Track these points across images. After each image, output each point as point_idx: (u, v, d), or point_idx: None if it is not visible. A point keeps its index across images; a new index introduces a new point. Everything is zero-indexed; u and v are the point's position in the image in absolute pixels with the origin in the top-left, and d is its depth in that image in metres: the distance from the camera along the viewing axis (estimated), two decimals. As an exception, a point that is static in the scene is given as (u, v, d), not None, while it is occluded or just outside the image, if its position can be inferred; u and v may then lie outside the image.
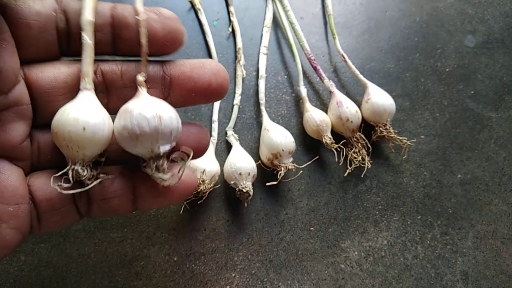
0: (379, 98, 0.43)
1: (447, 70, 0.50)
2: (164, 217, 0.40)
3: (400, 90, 0.48)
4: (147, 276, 0.38)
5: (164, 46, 0.25)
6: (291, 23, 0.47)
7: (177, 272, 0.38)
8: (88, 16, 0.23)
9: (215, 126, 0.44)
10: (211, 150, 0.42)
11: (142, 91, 0.24)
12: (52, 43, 0.24)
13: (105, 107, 0.24)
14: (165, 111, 0.24)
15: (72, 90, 0.24)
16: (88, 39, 0.23)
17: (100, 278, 0.38)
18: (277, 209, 0.42)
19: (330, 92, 0.45)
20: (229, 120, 0.44)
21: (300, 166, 0.42)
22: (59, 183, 0.23)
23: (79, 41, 0.23)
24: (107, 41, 0.24)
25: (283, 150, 0.40)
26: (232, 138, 0.43)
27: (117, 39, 0.24)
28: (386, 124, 0.43)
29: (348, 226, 0.42)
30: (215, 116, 0.44)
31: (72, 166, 0.23)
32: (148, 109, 0.23)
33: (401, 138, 0.43)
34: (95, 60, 0.24)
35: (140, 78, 0.24)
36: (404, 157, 0.45)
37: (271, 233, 0.41)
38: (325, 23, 0.51)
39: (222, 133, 0.44)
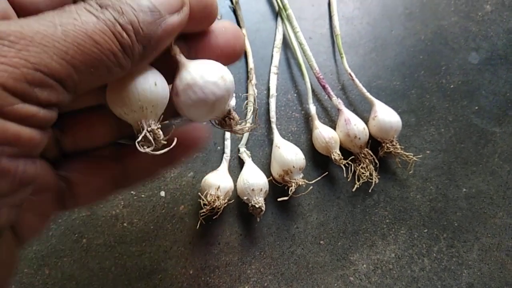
0: (386, 115, 0.45)
1: (451, 86, 0.52)
2: (180, 231, 0.42)
3: (406, 107, 0.50)
4: (164, 289, 0.40)
5: (200, 22, 0.23)
6: (300, 44, 0.49)
7: (193, 285, 0.40)
8: None
9: (227, 143, 0.46)
10: (224, 166, 0.44)
11: (181, 59, 0.23)
12: None
13: None
14: (220, 68, 0.23)
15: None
16: None
17: (120, 290, 0.40)
18: (288, 223, 0.43)
19: (338, 110, 0.47)
20: (242, 138, 0.46)
21: (310, 182, 0.43)
22: (140, 148, 0.22)
23: None
24: None
25: (293, 167, 0.42)
26: (245, 154, 0.45)
27: None
28: (392, 140, 0.45)
29: (357, 239, 0.43)
30: (227, 134, 0.46)
31: (152, 127, 0.22)
32: (209, 74, 0.22)
33: (407, 153, 0.45)
34: None
35: (175, 47, 0.23)
36: (411, 172, 0.47)
37: (283, 247, 0.42)
38: (333, 43, 0.53)
39: (235, 150, 0.46)
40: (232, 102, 0.24)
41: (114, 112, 0.22)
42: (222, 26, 0.24)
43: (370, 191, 0.45)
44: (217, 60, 0.24)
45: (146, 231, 0.42)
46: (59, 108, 0.18)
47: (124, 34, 0.18)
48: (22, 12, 0.21)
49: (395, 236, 0.44)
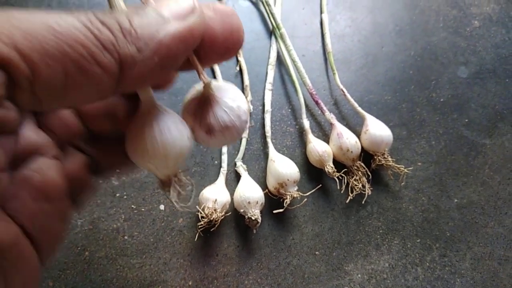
0: (377, 129, 0.47)
1: (441, 100, 0.53)
2: (179, 243, 0.43)
3: (397, 120, 0.52)
4: (164, 300, 0.41)
5: (226, 51, 0.20)
6: (293, 61, 0.51)
7: (192, 295, 0.41)
8: None
9: (224, 157, 0.47)
10: (221, 180, 0.45)
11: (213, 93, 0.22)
12: None
13: None
14: (236, 96, 0.22)
15: None
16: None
17: (121, 302, 0.41)
18: (284, 235, 0.45)
19: (331, 124, 0.48)
20: (238, 152, 0.48)
21: (305, 194, 0.44)
22: (172, 198, 0.22)
23: None
24: None
25: (288, 180, 0.43)
26: (241, 168, 0.47)
27: None
28: (384, 153, 0.47)
29: (351, 250, 0.44)
30: (224, 148, 0.48)
31: (175, 178, 0.22)
32: (236, 101, 0.22)
33: (399, 166, 0.46)
34: None
35: (205, 80, 0.21)
36: (403, 183, 0.48)
37: (279, 258, 0.44)
38: (325, 60, 0.55)
39: (232, 164, 0.48)
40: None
41: (137, 164, 0.21)
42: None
43: (363, 202, 0.46)
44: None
45: (146, 244, 0.43)
46: (18, 106, 0.16)
47: (106, 30, 0.16)
48: None
49: (389, 246, 0.45)
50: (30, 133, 0.21)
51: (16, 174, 0.21)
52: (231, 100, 0.21)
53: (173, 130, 0.20)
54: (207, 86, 0.21)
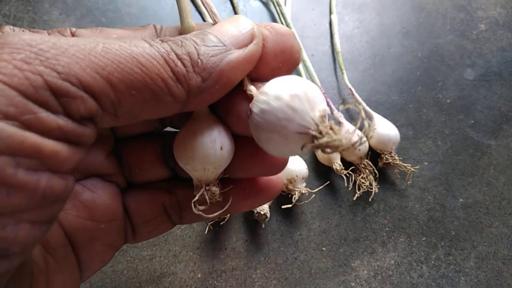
0: (384, 128, 0.47)
1: (448, 101, 0.54)
2: (189, 237, 0.44)
3: (404, 120, 0.52)
4: (173, 291, 0.42)
5: (277, 68, 0.21)
6: (303, 60, 0.52)
7: (200, 288, 0.42)
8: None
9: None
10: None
11: (255, 93, 0.21)
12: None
13: None
14: (290, 84, 0.19)
15: None
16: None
17: (131, 293, 0.41)
18: (291, 230, 0.45)
19: (339, 123, 0.49)
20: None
21: (313, 191, 0.45)
22: (198, 207, 0.22)
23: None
24: None
25: (297, 176, 0.44)
26: (250, 165, 0.47)
27: None
28: (391, 152, 0.47)
29: (358, 246, 0.45)
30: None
31: (209, 187, 0.22)
32: (282, 94, 0.19)
33: (405, 164, 0.47)
34: None
35: (250, 87, 0.21)
36: (409, 182, 0.49)
37: (286, 253, 0.44)
38: (334, 60, 0.56)
39: (241, 160, 0.48)
40: (319, 111, 0.19)
41: (179, 164, 0.23)
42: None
43: (370, 200, 0.47)
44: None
45: (157, 237, 0.44)
46: (101, 127, 0.18)
47: (179, 63, 0.17)
48: None
49: (395, 243, 0.45)
50: (98, 156, 0.23)
51: None
52: (275, 87, 0.20)
53: (214, 143, 0.21)
54: (249, 93, 0.21)
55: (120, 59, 0.16)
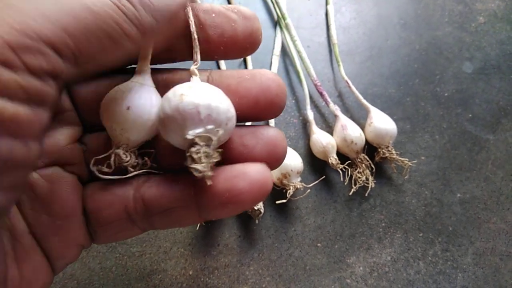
0: (381, 122, 0.46)
1: (446, 94, 0.53)
2: (180, 232, 0.43)
3: (401, 114, 0.51)
4: (164, 289, 0.40)
5: (244, 49, 0.23)
6: (298, 52, 0.51)
7: (192, 285, 0.41)
8: None
9: (227, 147, 0.47)
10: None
11: (193, 80, 0.22)
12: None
13: None
14: (194, 91, 0.20)
15: None
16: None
17: (120, 290, 0.40)
18: (286, 226, 0.44)
19: (335, 116, 0.48)
20: (241, 142, 0.47)
21: (308, 186, 0.44)
22: (99, 166, 0.21)
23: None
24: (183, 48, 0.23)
25: (291, 171, 0.43)
26: (244, 159, 0.46)
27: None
28: (388, 146, 0.46)
29: (353, 242, 0.44)
30: (227, 138, 0.47)
31: (115, 150, 0.21)
32: (174, 89, 0.21)
33: (402, 159, 0.46)
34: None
35: (193, 67, 0.22)
36: (406, 177, 0.48)
37: (281, 249, 0.43)
38: (330, 51, 0.55)
39: (234, 154, 0.47)
40: (195, 131, 0.20)
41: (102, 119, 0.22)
42: (252, 73, 0.23)
43: (366, 195, 0.46)
44: (236, 110, 0.21)
45: (147, 232, 0.43)
46: (64, 81, 0.17)
47: (129, 5, 0.18)
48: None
49: (391, 239, 0.45)
50: (62, 141, 0.22)
51: None
52: (187, 85, 0.21)
53: (124, 101, 0.21)
54: (191, 72, 0.23)
55: (75, 10, 0.16)
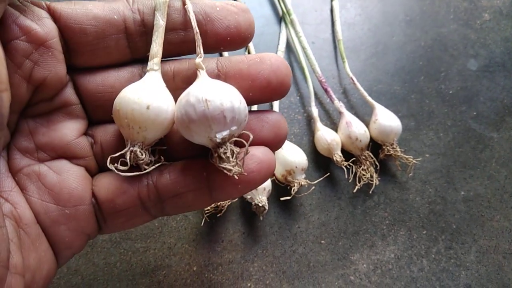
0: (386, 119, 0.46)
1: (450, 92, 0.53)
2: (184, 229, 0.43)
3: (406, 111, 0.51)
4: (168, 285, 0.40)
5: (246, 39, 0.24)
6: (303, 48, 0.50)
7: (196, 281, 0.41)
8: None
9: (232, 143, 0.47)
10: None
11: (200, 74, 0.23)
12: (116, 48, 0.23)
13: None
14: (216, 93, 0.21)
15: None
16: (160, 19, 0.22)
17: (124, 286, 0.40)
18: (290, 223, 0.44)
19: (340, 113, 0.48)
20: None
21: (312, 182, 0.44)
22: (116, 164, 0.22)
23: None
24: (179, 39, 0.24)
25: (296, 167, 0.43)
26: (248, 155, 0.46)
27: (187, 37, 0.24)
28: (393, 143, 0.46)
29: (357, 239, 0.44)
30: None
31: (131, 148, 0.22)
32: (196, 94, 0.21)
33: (407, 156, 0.46)
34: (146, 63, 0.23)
35: (197, 60, 0.23)
36: (410, 174, 0.48)
37: (284, 246, 0.43)
38: (335, 48, 0.55)
39: (238, 150, 0.47)
40: (223, 134, 0.21)
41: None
42: (259, 56, 0.24)
43: (370, 192, 0.46)
44: (249, 93, 0.23)
45: (151, 228, 0.43)
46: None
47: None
48: (68, 32, 0.22)
49: (395, 237, 0.45)
50: (68, 135, 0.23)
51: (35, 167, 0.22)
52: (203, 86, 0.22)
53: (142, 99, 0.22)
54: (196, 67, 0.23)
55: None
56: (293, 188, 0.42)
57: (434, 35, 0.57)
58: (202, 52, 0.23)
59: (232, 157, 0.21)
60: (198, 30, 0.23)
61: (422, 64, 0.55)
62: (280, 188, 0.44)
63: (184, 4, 0.23)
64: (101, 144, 0.24)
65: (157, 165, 0.23)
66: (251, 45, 0.52)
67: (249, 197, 0.42)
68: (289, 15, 0.52)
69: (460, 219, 0.46)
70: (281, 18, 0.55)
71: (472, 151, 0.50)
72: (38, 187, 0.22)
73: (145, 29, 0.23)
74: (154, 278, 0.41)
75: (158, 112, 0.21)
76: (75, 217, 0.22)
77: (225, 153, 0.21)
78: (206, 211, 0.41)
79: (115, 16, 0.22)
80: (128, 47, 0.24)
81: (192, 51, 0.24)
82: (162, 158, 0.24)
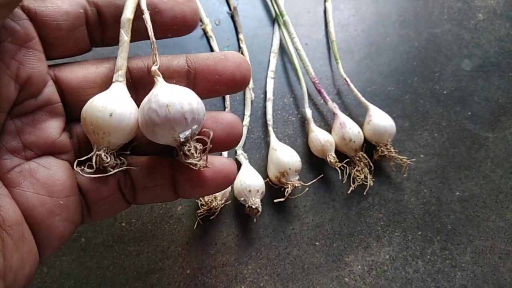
0: (380, 120, 0.46)
1: (445, 92, 0.53)
2: (178, 232, 0.43)
3: (400, 112, 0.51)
4: (161, 288, 0.40)
5: (191, 26, 0.26)
6: (296, 49, 0.50)
7: (190, 284, 0.41)
8: (128, 14, 0.25)
9: (225, 146, 0.46)
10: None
11: (158, 81, 0.24)
12: (82, 39, 0.25)
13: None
14: (175, 98, 0.23)
15: (100, 88, 0.25)
16: (125, 35, 0.25)
17: (117, 289, 0.40)
18: (284, 225, 0.44)
19: (334, 114, 0.47)
20: (239, 140, 0.47)
21: (306, 184, 0.44)
22: (82, 167, 0.24)
23: (111, 31, 0.25)
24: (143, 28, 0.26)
25: (290, 169, 0.42)
26: (242, 157, 0.46)
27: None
28: (387, 144, 0.46)
29: (352, 241, 0.44)
30: (225, 137, 0.47)
31: (97, 152, 0.24)
32: (157, 100, 0.23)
33: (401, 157, 0.46)
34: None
35: (153, 68, 0.25)
36: (405, 175, 0.47)
37: (279, 248, 0.43)
38: (329, 49, 0.54)
39: (232, 152, 0.47)
40: (186, 134, 0.23)
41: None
42: (223, 54, 0.26)
43: (365, 193, 0.46)
44: (216, 86, 0.26)
45: (144, 231, 0.42)
46: None
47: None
48: (45, 29, 0.23)
49: (390, 238, 0.44)
50: (53, 134, 0.24)
51: (25, 165, 0.23)
52: (163, 91, 0.24)
53: (101, 100, 0.24)
54: (153, 74, 0.25)
55: None
56: (286, 190, 0.42)
57: (428, 36, 0.57)
58: (158, 60, 0.25)
59: (196, 152, 0.24)
60: (154, 39, 0.25)
61: (416, 64, 0.54)
62: (274, 189, 0.44)
63: (142, 13, 0.25)
64: (78, 138, 0.26)
65: (122, 168, 0.25)
66: (244, 46, 0.52)
67: (242, 199, 0.41)
68: (282, 16, 0.52)
69: (455, 219, 0.46)
70: (274, 19, 0.55)
71: (467, 151, 0.49)
72: (32, 182, 0.23)
73: (100, 20, 0.25)
74: (147, 281, 0.40)
75: (120, 119, 0.23)
76: (67, 207, 0.24)
77: (189, 150, 0.24)
78: (199, 214, 0.41)
79: (80, 10, 0.24)
80: (88, 36, 0.26)
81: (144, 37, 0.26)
82: (125, 161, 0.26)
